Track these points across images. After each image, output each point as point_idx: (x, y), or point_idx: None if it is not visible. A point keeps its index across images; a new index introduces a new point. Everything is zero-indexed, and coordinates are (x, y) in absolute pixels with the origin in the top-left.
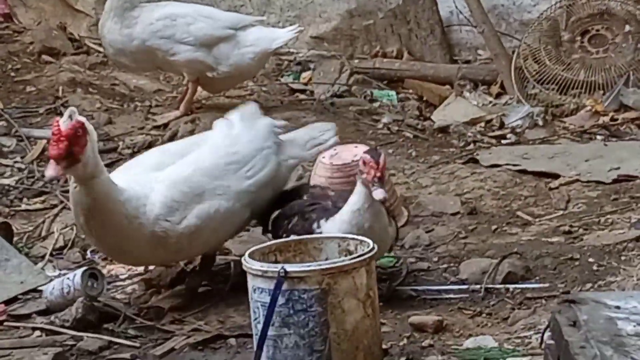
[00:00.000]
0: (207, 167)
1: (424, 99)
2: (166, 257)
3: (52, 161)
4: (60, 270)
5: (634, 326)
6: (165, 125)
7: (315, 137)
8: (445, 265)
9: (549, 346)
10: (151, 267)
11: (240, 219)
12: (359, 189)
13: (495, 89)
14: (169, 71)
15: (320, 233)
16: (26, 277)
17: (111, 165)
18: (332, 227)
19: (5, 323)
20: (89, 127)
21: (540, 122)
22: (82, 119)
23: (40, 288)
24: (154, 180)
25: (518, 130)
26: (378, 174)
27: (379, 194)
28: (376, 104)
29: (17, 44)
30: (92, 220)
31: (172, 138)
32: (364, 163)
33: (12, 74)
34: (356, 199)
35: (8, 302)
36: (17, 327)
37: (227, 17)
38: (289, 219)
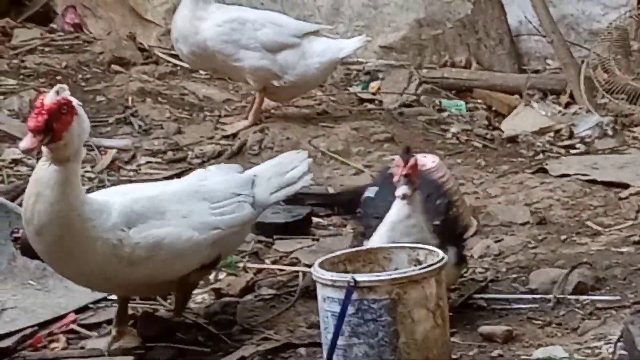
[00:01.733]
0: (172, 190)
1: (493, 108)
2: (117, 272)
3: (29, 133)
4: None
5: None
6: (234, 135)
7: (282, 174)
8: (514, 275)
9: (621, 357)
10: (221, 276)
11: (202, 254)
12: (395, 204)
13: (564, 99)
14: (228, 76)
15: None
16: None
17: (181, 175)
18: (372, 240)
19: (76, 332)
20: (80, 110)
21: (610, 132)
22: (72, 99)
23: (109, 297)
24: (120, 194)
25: (587, 140)
26: (403, 173)
27: (399, 191)
28: (445, 114)
29: (87, 54)
30: (43, 204)
31: (241, 148)
32: (395, 163)
33: (82, 83)
34: (392, 212)
35: (78, 311)
36: (88, 337)
37: (294, 24)
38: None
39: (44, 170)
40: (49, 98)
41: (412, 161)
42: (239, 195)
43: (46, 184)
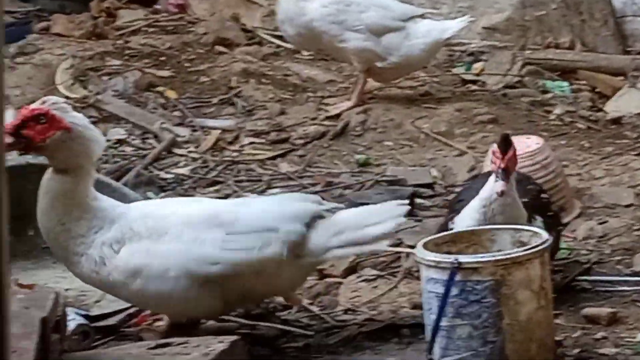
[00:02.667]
0: (186, 213)
1: (597, 90)
2: (106, 289)
3: None
4: None
5: None
6: (338, 116)
7: (359, 227)
8: (618, 257)
9: None
10: None
11: (196, 296)
12: (490, 180)
13: None
14: (332, 56)
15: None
16: None
17: (284, 156)
18: (461, 219)
19: None
20: (77, 128)
21: None
22: (69, 115)
23: None
24: (135, 208)
25: None
26: (502, 165)
27: (497, 186)
28: (548, 95)
29: (191, 35)
30: (38, 210)
31: (344, 129)
32: (493, 153)
33: (186, 64)
34: (485, 190)
35: None
36: None
37: (399, 8)
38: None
39: (45, 178)
40: (31, 106)
41: (510, 153)
42: (272, 230)
43: (42, 191)
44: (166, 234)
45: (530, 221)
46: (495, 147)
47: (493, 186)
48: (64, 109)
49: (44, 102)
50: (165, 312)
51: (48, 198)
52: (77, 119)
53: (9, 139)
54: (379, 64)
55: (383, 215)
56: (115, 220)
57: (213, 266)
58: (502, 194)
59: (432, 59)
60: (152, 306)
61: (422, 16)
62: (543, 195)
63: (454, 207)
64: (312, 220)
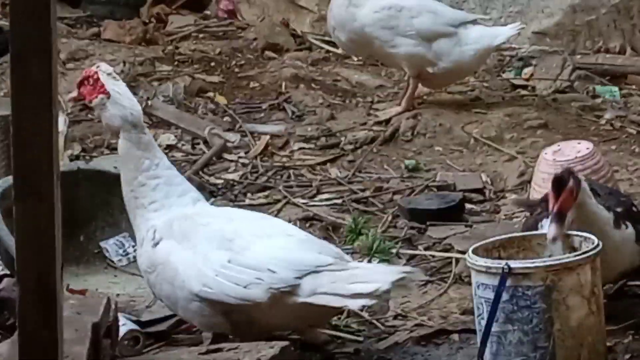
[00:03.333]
0: (215, 226)
1: None
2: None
3: None
4: None
5: None
6: (387, 121)
7: (348, 281)
8: None
9: None
10: (374, 262)
11: (202, 316)
12: (545, 223)
13: None
14: (383, 61)
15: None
16: None
17: (334, 161)
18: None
19: None
20: (114, 94)
21: None
22: (112, 82)
23: None
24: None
25: None
26: (555, 209)
27: (550, 232)
28: (598, 100)
29: (240, 40)
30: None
31: (393, 134)
32: (548, 194)
33: (236, 70)
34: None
35: None
36: None
37: (450, 13)
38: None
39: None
40: (88, 68)
41: (565, 194)
42: (266, 272)
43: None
44: (189, 241)
45: (618, 226)
46: (549, 190)
47: (547, 230)
48: (110, 75)
49: (97, 67)
50: (179, 315)
51: (119, 164)
52: (118, 86)
53: (74, 93)
54: (429, 70)
55: (375, 276)
56: (172, 210)
57: (205, 288)
58: (554, 240)
59: (481, 65)
60: (166, 305)
61: (473, 22)
62: (634, 209)
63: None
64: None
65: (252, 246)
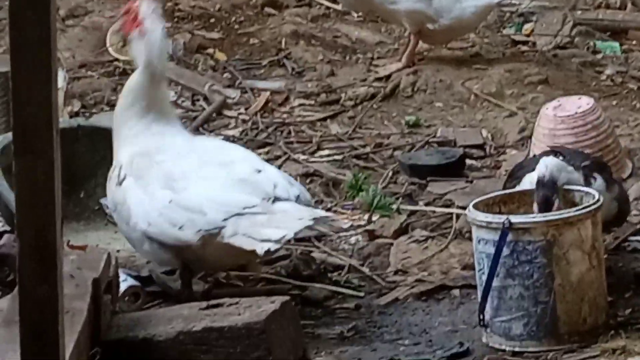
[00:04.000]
0: (166, 166)
1: None
2: None
3: None
4: None
5: None
6: (387, 77)
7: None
8: None
9: None
10: (374, 218)
11: (155, 254)
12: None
13: None
14: (383, 18)
15: None
16: None
17: (334, 117)
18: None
19: (233, 272)
20: (152, 32)
21: None
22: (150, 19)
23: None
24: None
25: None
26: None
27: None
28: (599, 56)
29: None
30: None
31: (394, 90)
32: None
33: (236, 26)
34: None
35: None
36: (244, 277)
37: None
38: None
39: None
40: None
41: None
42: (199, 213)
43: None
44: (142, 179)
45: (589, 183)
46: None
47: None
48: (151, 12)
49: (143, 2)
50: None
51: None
52: (155, 24)
53: (119, 23)
54: (429, 26)
55: (286, 223)
56: (138, 140)
57: (150, 227)
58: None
59: (482, 21)
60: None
61: None
62: (600, 160)
63: (516, 175)
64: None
65: (192, 187)
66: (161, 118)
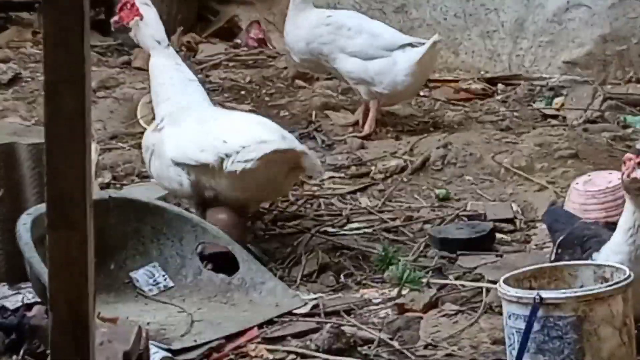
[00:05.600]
0: (200, 114)
1: None
2: None
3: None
4: (314, 293)
5: None
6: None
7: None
8: None
9: None
10: (404, 292)
11: (178, 182)
12: (627, 206)
13: None
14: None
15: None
16: (281, 300)
17: (364, 190)
18: (606, 254)
19: (261, 346)
20: (144, 17)
21: None
22: (141, 7)
23: (295, 311)
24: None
25: None
26: (638, 160)
27: (636, 173)
28: (629, 130)
29: (271, 69)
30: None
31: (424, 163)
32: (624, 162)
33: (267, 98)
34: (626, 217)
35: (263, 325)
36: (273, 350)
37: (390, 37)
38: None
39: None
40: None
41: None
42: (222, 141)
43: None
44: (179, 124)
45: None
46: (626, 155)
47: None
48: (143, 2)
49: None
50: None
51: (152, 79)
52: (149, 11)
53: (115, 17)
54: (375, 89)
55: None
56: (177, 101)
57: (177, 151)
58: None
59: (421, 83)
60: (158, 183)
61: (410, 45)
62: None
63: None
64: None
65: (218, 123)
66: (188, 82)
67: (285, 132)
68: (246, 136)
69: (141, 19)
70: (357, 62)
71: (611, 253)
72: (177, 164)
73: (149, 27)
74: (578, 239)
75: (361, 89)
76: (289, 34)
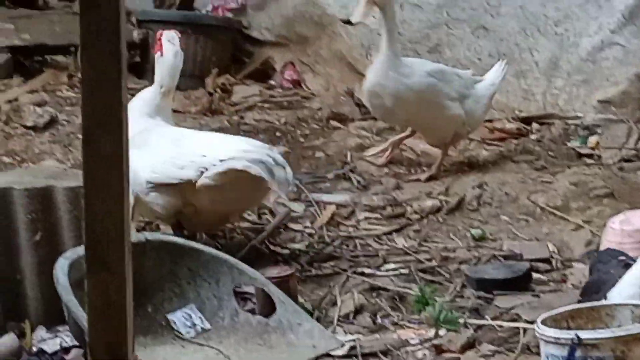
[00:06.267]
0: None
1: None
2: None
3: None
4: (351, 334)
5: None
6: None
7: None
8: None
9: None
10: (441, 333)
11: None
12: None
13: None
14: (418, 128)
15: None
16: (318, 342)
17: (400, 230)
18: (618, 291)
19: None
20: (166, 53)
21: None
22: (169, 45)
23: (332, 353)
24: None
25: None
26: None
27: None
28: None
29: (305, 110)
30: None
31: (459, 203)
32: None
33: (302, 139)
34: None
35: None
36: None
37: (466, 75)
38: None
39: None
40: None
41: None
42: (200, 155)
43: None
44: (147, 145)
45: None
46: None
47: None
48: (170, 39)
49: (161, 33)
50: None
51: (139, 96)
52: (172, 49)
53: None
54: (465, 129)
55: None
56: (139, 124)
57: (153, 173)
58: None
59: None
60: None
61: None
62: None
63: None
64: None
65: (194, 140)
66: (166, 120)
67: (260, 150)
68: (225, 150)
69: (161, 55)
70: (456, 105)
71: (623, 291)
72: (154, 186)
73: (162, 65)
74: (597, 284)
75: (437, 132)
76: (382, 78)
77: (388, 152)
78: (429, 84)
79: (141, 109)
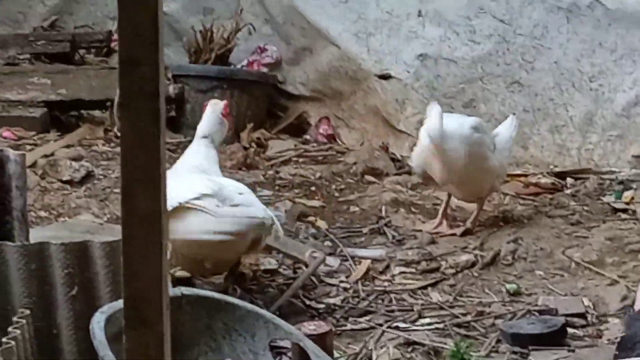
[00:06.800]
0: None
1: None
2: None
3: None
4: None
5: None
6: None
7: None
8: None
9: None
10: None
11: None
12: None
13: None
14: (462, 184)
15: None
16: None
17: (435, 285)
18: None
19: None
20: (207, 117)
21: None
22: (209, 111)
23: None
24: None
25: None
26: None
27: None
28: None
29: (340, 165)
30: None
31: (494, 258)
32: None
33: (336, 194)
34: None
35: None
36: None
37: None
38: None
39: None
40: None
41: None
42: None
43: None
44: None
45: None
46: None
47: None
48: (212, 109)
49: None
50: None
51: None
52: (209, 116)
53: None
54: (499, 180)
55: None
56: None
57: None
58: None
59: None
60: None
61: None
62: None
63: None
64: None
65: (177, 178)
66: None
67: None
68: (186, 193)
69: (224, 120)
70: (494, 157)
71: None
72: None
73: (205, 127)
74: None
75: (478, 185)
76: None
77: (444, 224)
78: (477, 137)
79: (190, 163)
